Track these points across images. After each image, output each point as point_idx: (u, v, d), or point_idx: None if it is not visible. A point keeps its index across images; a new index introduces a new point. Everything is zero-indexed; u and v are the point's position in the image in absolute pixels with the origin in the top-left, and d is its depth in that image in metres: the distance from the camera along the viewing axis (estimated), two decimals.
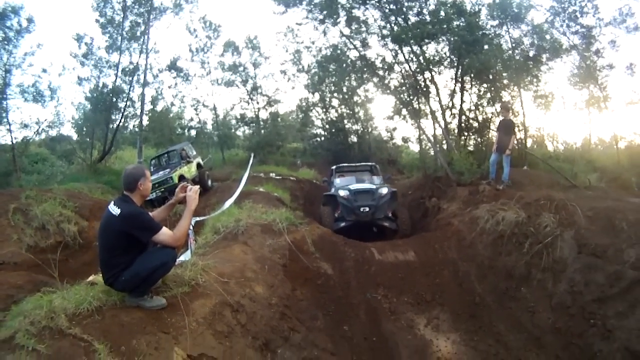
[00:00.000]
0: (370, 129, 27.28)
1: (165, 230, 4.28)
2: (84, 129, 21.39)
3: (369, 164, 16.32)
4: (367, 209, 12.14)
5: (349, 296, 7.65)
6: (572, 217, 7.99)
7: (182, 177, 15.66)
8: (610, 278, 6.53)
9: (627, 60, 24.79)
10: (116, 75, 20.90)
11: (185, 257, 5.69)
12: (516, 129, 14.70)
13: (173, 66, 25.73)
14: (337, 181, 14.44)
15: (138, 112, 22.67)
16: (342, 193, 12.52)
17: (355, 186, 12.97)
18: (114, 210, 4.22)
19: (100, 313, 4.04)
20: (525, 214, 8.86)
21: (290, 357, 5.08)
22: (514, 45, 17.60)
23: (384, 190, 12.65)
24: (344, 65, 19.57)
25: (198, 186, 4.85)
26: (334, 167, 16.17)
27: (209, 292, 5.05)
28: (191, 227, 5.22)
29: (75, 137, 22.72)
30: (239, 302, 5.32)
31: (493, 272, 8.55)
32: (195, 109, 29.06)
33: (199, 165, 18.34)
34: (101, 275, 4.40)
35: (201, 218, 7.10)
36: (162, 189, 14.87)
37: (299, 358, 5.23)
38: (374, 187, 12.84)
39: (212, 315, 4.69)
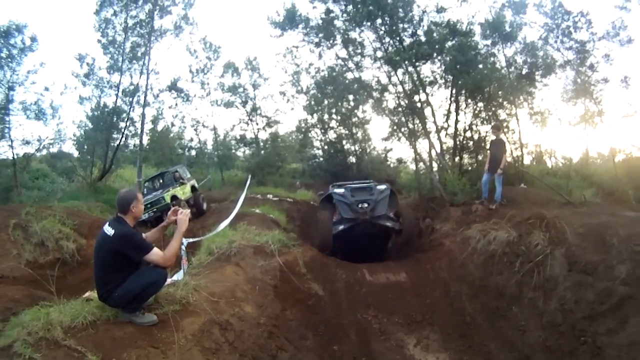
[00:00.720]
0: (368, 150, 27.63)
1: (156, 250, 4.50)
2: (85, 147, 21.63)
3: (369, 182, 14.68)
4: (365, 204, 11.60)
5: (340, 316, 7.78)
6: (562, 235, 8.14)
7: (174, 198, 15.95)
8: (601, 295, 6.59)
9: (622, 73, 25.02)
10: (117, 95, 21.31)
11: (178, 276, 5.87)
12: (507, 149, 14.91)
13: (173, 87, 26.11)
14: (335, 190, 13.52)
15: (138, 131, 22.91)
16: (338, 191, 12.08)
17: (353, 184, 12.69)
18: (109, 230, 4.44)
19: (94, 327, 4.22)
20: (516, 233, 8.99)
21: None
22: (507, 63, 18.00)
23: (382, 187, 12.19)
24: (342, 87, 19.91)
25: (189, 210, 5.17)
26: (332, 185, 14.99)
27: (198, 311, 5.22)
28: (184, 248, 5.41)
29: (76, 154, 22.97)
30: (227, 320, 5.49)
31: (484, 291, 8.67)
32: (195, 130, 29.48)
33: (193, 188, 18.58)
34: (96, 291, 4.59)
35: (196, 239, 7.29)
36: (155, 209, 15.18)
37: None
38: (371, 184, 12.46)
39: (201, 332, 4.85)
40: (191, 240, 6.90)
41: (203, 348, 4.62)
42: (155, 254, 4.48)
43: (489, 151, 12.69)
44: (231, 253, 8.27)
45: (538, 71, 17.65)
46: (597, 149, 23.53)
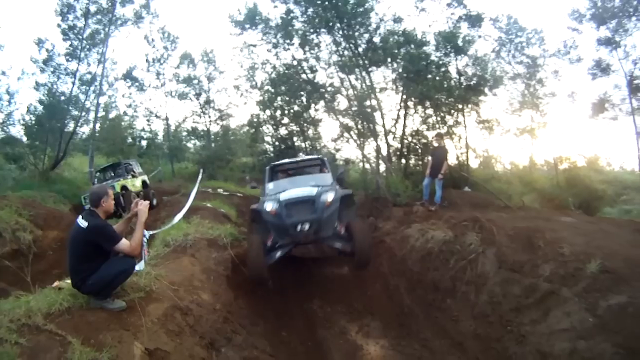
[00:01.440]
0: (319, 147, 27.77)
1: (124, 240, 4.90)
2: (34, 131, 21.09)
3: (316, 157, 12.53)
4: (306, 225, 8.68)
5: (287, 305, 8.37)
6: (494, 236, 8.89)
7: (124, 188, 16.01)
8: (526, 290, 7.33)
9: (569, 89, 26.49)
10: (73, 83, 21.02)
11: (139, 267, 6.24)
12: (453, 153, 15.72)
13: (129, 75, 25.80)
14: (269, 187, 10.51)
15: (91, 119, 22.80)
16: (268, 207, 8.89)
17: (287, 195, 9.12)
18: (82, 223, 4.83)
19: (70, 313, 4.60)
20: (452, 233, 9.70)
21: (232, 356, 5.73)
22: (458, 73, 18.79)
23: (330, 196, 8.93)
24: (295, 85, 20.36)
25: (148, 202, 5.49)
26: (268, 166, 12.59)
27: (161, 297, 5.66)
28: (145, 239, 5.82)
29: (25, 140, 22.16)
30: (187, 306, 5.95)
31: (421, 285, 9.34)
32: (148, 120, 29.13)
33: (144, 184, 18.60)
34: (70, 279, 4.96)
35: (155, 231, 7.60)
36: None
37: (240, 357, 5.87)
38: (313, 193, 9.02)
39: (165, 316, 5.31)
40: (152, 232, 7.24)
41: (167, 330, 5.08)
42: (124, 244, 4.87)
43: (430, 157, 13.26)
44: (187, 245, 8.64)
45: (487, 84, 18.46)
46: (544, 156, 24.64)
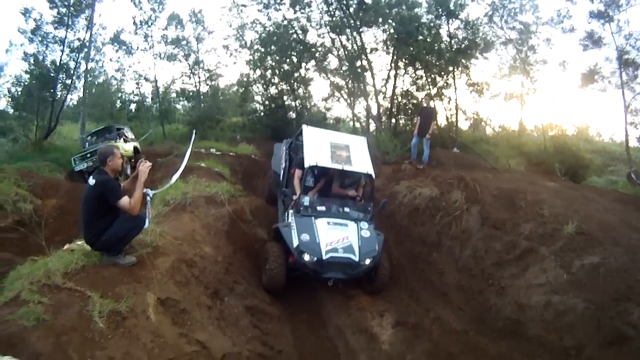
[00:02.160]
0: (309, 106, 27.84)
1: (125, 198, 5.18)
2: (22, 103, 20.83)
3: (360, 173, 9.71)
4: (340, 277, 7.90)
5: None
6: (478, 195, 9.33)
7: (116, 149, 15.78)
8: (507, 246, 7.84)
9: (561, 58, 26.43)
10: (62, 51, 20.81)
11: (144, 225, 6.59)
12: (443, 114, 15.98)
13: (116, 39, 25.39)
14: (297, 225, 8.25)
15: (81, 86, 22.51)
16: (306, 258, 7.67)
17: (330, 252, 7.72)
18: (91, 181, 5.18)
19: (85, 271, 4.90)
20: (438, 190, 10.12)
21: (235, 304, 6.16)
22: (449, 36, 18.71)
23: (372, 259, 8.00)
24: (286, 44, 20.35)
25: (150, 163, 5.70)
26: (288, 143, 11.48)
27: (167, 252, 6.05)
28: (149, 198, 6.08)
29: (11, 111, 22.07)
30: (192, 259, 6.36)
31: (409, 239, 9.86)
32: (137, 83, 28.36)
33: (136, 150, 18.60)
34: (81, 240, 5.36)
35: (159, 190, 7.80)
36: (94, 159, 14.55)
37: (242, 305, 6.31)
38: (356, 257, 7.82)
39: (172, 269, 5.71)
40: (156, 191, 7.42)
41: (176, 281, 5.49)
42: (124, 201, 5.14)
43: (419, 117, 13.46)
44: (186, 203, 8.95)
45: (478, 48, 18.49)
46: (533, 122, 24.77)
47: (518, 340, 6.57)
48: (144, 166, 5.53)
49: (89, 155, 15.23)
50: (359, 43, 18.97)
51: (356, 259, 7.81)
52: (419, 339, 6.89)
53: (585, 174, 14.65)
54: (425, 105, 14.06)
